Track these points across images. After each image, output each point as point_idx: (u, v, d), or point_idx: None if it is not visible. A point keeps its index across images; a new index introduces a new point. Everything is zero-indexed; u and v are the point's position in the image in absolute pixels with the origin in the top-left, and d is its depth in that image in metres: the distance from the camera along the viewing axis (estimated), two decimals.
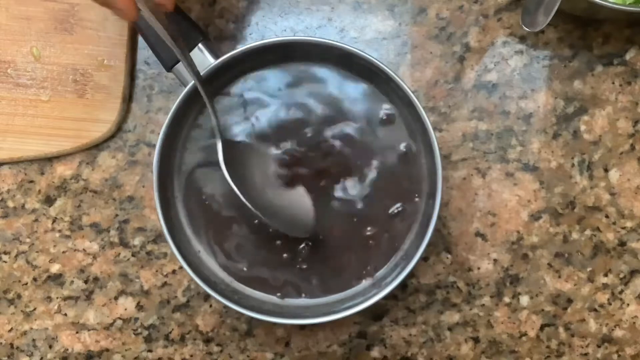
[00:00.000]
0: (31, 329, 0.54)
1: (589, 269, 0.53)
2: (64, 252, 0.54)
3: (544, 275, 0.53)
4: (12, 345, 0.54)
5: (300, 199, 0.48)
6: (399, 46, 0.54)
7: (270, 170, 0.49)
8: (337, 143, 0.49)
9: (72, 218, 0.54)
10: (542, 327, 0.53)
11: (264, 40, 0.47)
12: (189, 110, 0.49)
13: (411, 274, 0.52)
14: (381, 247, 0.49)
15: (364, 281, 0.49)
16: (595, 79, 0.53)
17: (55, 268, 0.54)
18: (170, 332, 0.54)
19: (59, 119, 0.53)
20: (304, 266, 0.49)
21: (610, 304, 0.53)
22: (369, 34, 0.54)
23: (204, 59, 0.47)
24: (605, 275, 0.53)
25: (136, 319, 0.54)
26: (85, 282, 0.54)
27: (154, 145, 0.47)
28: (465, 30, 0.54)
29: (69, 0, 0.53)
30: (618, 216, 0.53)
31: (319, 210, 0.49)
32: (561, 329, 0.53)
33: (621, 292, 0.53)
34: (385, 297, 0.46)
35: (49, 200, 0.55)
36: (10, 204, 0.55)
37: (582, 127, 0.53)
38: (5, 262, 0.55)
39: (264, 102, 0.49)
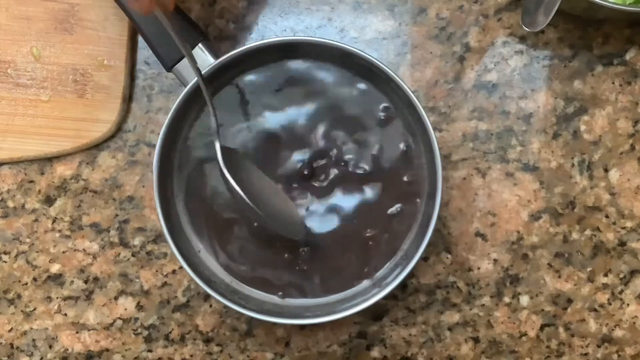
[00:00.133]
0: (31, 329, 0.54)
1: (589, 269, 0.53)
2: (64, 252, 0.54)
3: (544, 275, 0.53)
4: (12, 345, 0.54)
5: (287, 204, 0.48)
6: (399, 46, 0.54)
7: (267, 171, 0.49)
8: (336, 143, 0.49)
9: (72, 218, 0.54)
10: (542, 327, 0.53)
11: (264, 40, 0.47)
12: (189, 110, 0.49)
13: (411, 274, 0.52)
14: (381, 247, 0.49)
15: (364, 281, 0.49)
16: (595, 79, 0.53)
17: (55, 268, 0.54)
18: (170, 332, 0.54)
19: (59, 119, 0.53)
20: (305, 266, 0.49)
21: (610, 304, 0.53)
22: (369, 34, 0.54)
23: (204, 59, 0.47)
24: (605, 275, 0.53)
25: (136, 319, 0.54)
26: (85, 282, 0.54)
27: (154, 145, 0.47)
28: (465, 30, 0.54)
29: (69, 0, 0.53)
30: (618, 216, 0.53)
31: (319, 210, 0.49)
32: (561, 329, 0.53)
33: (621, 292, 0.53)
34: (385, 297, 0.46)
35: (49, 200, 0.55)
36: (10, 204, 0.55)
37: (582, 127, 0.53)
38: (5, 262, 0.55)
39: (263, 102, 0.49)
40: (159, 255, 0.54)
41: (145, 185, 0.54)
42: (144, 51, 0.54)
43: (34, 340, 0.54)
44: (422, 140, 0.48)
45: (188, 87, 0.47)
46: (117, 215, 0.54)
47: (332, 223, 0.49)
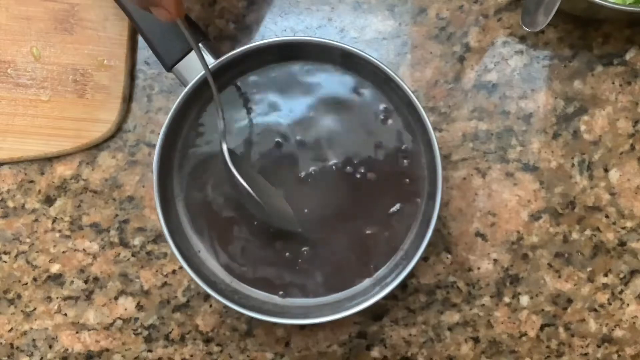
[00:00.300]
0: (31, 329, 0.54)
1: (589, 269, 0.53)
2: (64, 252, 0.54)
3: (544, 275, 0.53)
4: (12, 345, 0.54)
5: (283, 202, 0.49)
6: (399, 46, 0.54)
7: (267, 171, 0.49)
8: (336, 143, 0.49)
9: (72, 218, 0.54)
10: (542, 327, 0.53)
11: (264, 40, 0.47)
12: (189, 110, 0.49)
13: (411, 274, 0.52)
14: (381, 247, 0.49)
15: (364, 281, 0.49)
16: (595, 79, 0.53)
17: (55, 268, 0.54)
18: (170, 332, 0.54)
19: (59, 119, 0.53)
20: (305, 266, 0.49)
21: (610, 304, 0.53)
22: (369, 34, 0.54)
23: (204, 59, 0.47)
24: (605, 275, 0.53)
25: (136, 319, 0.54)
26: (85, 282, 0.54)
27: (154, 145, 0.47)
28: (465, 30, 0.54)
29: (69, 0, 0.53)
30: (618, 216, 0.53)
31: (319, 210, 0.49)
32: (561, 329, 0.53)
33: (621, 292, 0.53)
34: (385, 297, 0.46)
35: (49, 200, 0.55)
36: (10, 204, 0.55)
37: (582, 127, 0.53)
38: (5, 262, 0.55)
39: (263, 102, 0.49)
40: (159, 255, 0.54)
41: (145, 185, 0.54)
42: (144, 51, 0.54)
43: (34, 340, 0.54)
44: (422, 140, 0.48)
45: (188, 87, 0.47)
46: (117, 215, 0.54)
47: (332, 222, 0.49)
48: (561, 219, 0.53)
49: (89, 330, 0.54)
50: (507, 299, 0.53)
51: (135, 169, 0.54)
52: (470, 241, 0.53)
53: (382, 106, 0.49)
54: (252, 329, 0.54)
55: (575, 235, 0.53)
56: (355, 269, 0.49)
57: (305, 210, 0.49)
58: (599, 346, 0.53)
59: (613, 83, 0.53)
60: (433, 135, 0.46)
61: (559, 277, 0.53)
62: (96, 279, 0.54)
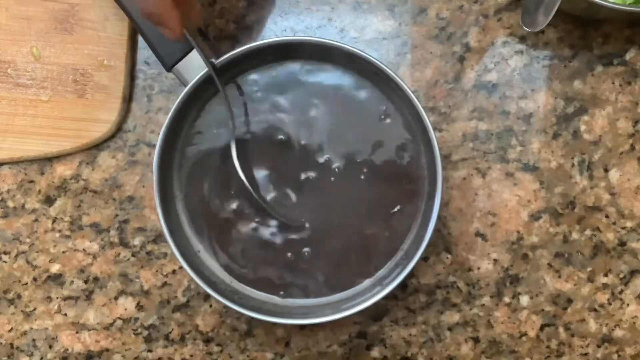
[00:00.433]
0: (31, 329, 0.54)
1: (589, 269, 0.53)
2: (64, 252, 0.54)
3: (544, 275, 0.53)
4: (12, 345, 0.54)
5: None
6: (399, 46, 0.54)
7: (267, 169, 0.49)
8: (336, 143, 0.49)
9: (72, 218, 0.54)
10: (542, 327, 0.53)
11: (264, 40, 0.47)
12: (189, 110, 0.49)
13: (411, 274, 0.52)
14: (381, 247, 0.49)
15: (364, 281, 0.49)
16: (595, 79, 0.53)
17: (55, 268, 0.54)
18: (170, 332, 0.54)
19: (59, 119, 0.53)
20: (305, 266, 0.49)
21: (610, 304, 0.53)
22: (369, 34, 0.54)
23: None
24: (605, 275, 0.53)
25: (136, 319, 0.54)
26: (85, 282, 0.54)
27: (154, 145, 0.47)
28: (465, 30, 0.54)
29: (69, 0, 0.53)
30: (618, 216, 0.53)
31: (319, 210, 0.49)
32: (561, 329, 0.53)
33: (621, 292, 0.53)
34: (385, 297, 0.46)
35: (49, 200, 0.55)
36: (10, 204, 0.55)
37: (582, 127, 0.53)
38: (5, 262, 0.55)
39: (263, 101, 0.49)
40: (159, 255, 0.54)
41: (145, 185, 0.54)
42: (144, 51, 0.54)
43: (34, 340, 0.54)
44: (422, 140, 0.48)
45: (188, 87, 0.47)
46: (117, 215, 0.54)
47: (332, 222, 0.49)
48: (561, 219, 0.53)
49: (89, 330, 0.54)
50: (507, 299, 0.53)
51: (135, 169, 0.54)
52: (470, 241, 0.53)
53: (382, 106, 0.49)
54: (252, 329, 0.54)
55: (575, 235, 0.53)
56: (355, 269, 0.49)
57: (305, 211, 0.49)
58: (599, 346, 0.53)
59: (613, 83, 0.53)
60: (433, 135, 0.46)
61: (559, 277, 0.53)
62: (96, 279, 0.54)
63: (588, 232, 0.53)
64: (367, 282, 0.49)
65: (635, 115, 0.53)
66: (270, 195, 0.49)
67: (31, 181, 0.55)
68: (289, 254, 0.49)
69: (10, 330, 0.54)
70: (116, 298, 0.54)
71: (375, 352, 0.54)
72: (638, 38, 0.53)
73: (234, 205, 0.49)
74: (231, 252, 0.49)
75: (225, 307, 0.52)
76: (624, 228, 0.53)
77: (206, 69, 0.47)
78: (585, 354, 0.53)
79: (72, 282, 0.54)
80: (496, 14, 0.54)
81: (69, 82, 0.53)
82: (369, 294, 0.47)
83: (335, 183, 0.49)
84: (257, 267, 0.49)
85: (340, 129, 0.49)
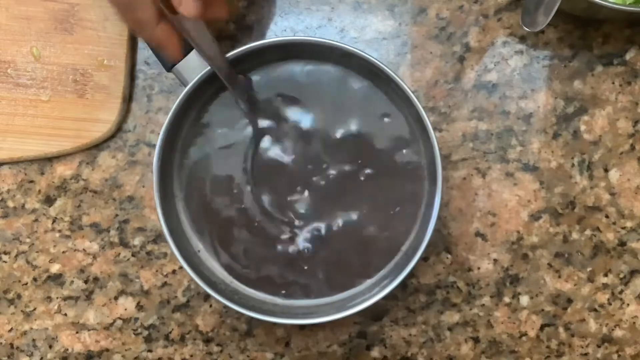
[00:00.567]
0: (31, 329, 0.54)
1: (589, 269, 0.53)
2: (64, 252, 0.54)
3: (544, 275, 0.53)
4: (12, 345, 0.54)
5: None
6: (399, 46, 0.54)
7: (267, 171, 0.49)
8: (335, 143, 0.49)
9: (72, 218, 0.54)
10: (542, 327, 0.53)
11: (264, 40, 0.47)
12: (189, 110, 0.49)
13: (411, 274, 0.52)
14: (381, 248, 0.49)
15: (364, 281, 0.49)
16: (595, 79, 0.53)
17: (55, 268, 0.54)
18: (170, 332, 0.54)
19: (59, 119, 0.53)
20: (305, 267, 0.49)
21: (610, 304, 0.53)
22: (369, 34, 0.54)
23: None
24: (605, 275, 0.53)
25: (136, 319, 0.54)
26: (85, 282, 0.54)
27: (154, 145, 0.47)
28: (465, 30, 0.54)
29: (69, 0, 0.53)
30: (618, 216, 0.53)
31: (319, 210, 0.49)
32: (561, 329, 0.53)
33: (621, 292, 0.53)
34: (385, 297, 0.46)
35: (49, 200, 0.55)
36: (10, 204, 0.55)
37: (582, 127, 0.53)
38: (5, 262, 0.55)
39: (264, 102, 0.49)
40: (159, 255, 0.54)
41: (145, 185, 0.54)
42: (144, 51, 0.54)
43: (34, 340, 0.54)
44: (422, 140, 0.48)
45: (188, 87, 0.47)
46: (117, 215, 0.54)
47: (332, 223, 0.49)
48: (561, 219, 0.53)
49: (89, 330, 0.54)
50: (507, 299, 0.53)
51: (135, 169, 0.54)
52: (470, 241, 0.53)
53: (382, 106, 0.49)
54: (252, 329, 0.54)
55: (575, 235, 0.53)
56: (355, 269, 0.49)
57: (306, 211, 0.49)
58: (599, 346, 0.53)
59: (613, 83, 0.53)
60: (433, 135, 0.46)
61: (559, 277, 0.53)
62: (96, 279, 0.54)
63: (588, 232, 0.53)
64: (367, 282, 0.49)
65: (635, 115, 0.53)
66: (270, 196, 0.49)
67: (31, 181, 0.55)
68: (289, 254, 0.49)
69: (10, 330, 0.54)
70: (116, 298, 0.54)
71: (375, 352, 0.54)
72: (638, 38, 0.53)
73: (234, 205, 0.49)
74: (232, 252, 0.49)
75: (225, 307, 0.52)
76: (624, 228, 0.53)
77: (207, 69, 0.47)
78: (585, 354, 0.53)
79: (72, 282, 0.54)
80: (496, 14, 0.54)
81: (69, 82, 0.53)
82: (369, 294, 0.47)
83: (335, 183, 0.49)
84: (257, 267, 0.49)
85: (339, 129, 0.49)
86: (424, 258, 0.53)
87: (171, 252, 0.48)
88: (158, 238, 0.54)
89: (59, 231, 0.54)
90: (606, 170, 0.53)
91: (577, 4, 0.49)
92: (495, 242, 0.53)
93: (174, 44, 0.44)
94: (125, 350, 0.54)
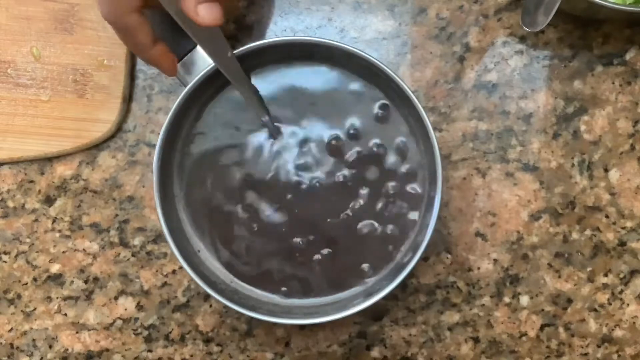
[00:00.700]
0: (31, 329, 0.54)
1: (589, 269, 0.53)
2: (64, 252, 0.54)
3: (544, 275, 0.53)
4: (12, 345, 0.54)
5: None
6: (399, 46, 0.54)
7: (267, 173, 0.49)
8: (336, 143, 0.49)
9: (72, 218, 0.54)
10: (542, 327, 0.53)
11: (264, 40, 0.47)
12: (189, 110, 0.49)
13: (411, 274, 0.52)
14: (381, 247, 0.49)
15: (364, 281, 0.49)
16: (595, 79, 0.53)
17: (55, 268, 0.54)
18: (170, 332, 0.54)
19: (59, 119, 0.53)
20: (305, 266, 0.49)
21: (610, 304, 0.53)
22: (369, 34, 0.54)
23: (204, 59, 0.47)
24: (605, 275, 0.53)
25: (136, 319, 0.54)
26: (85, 282, 0.54)
27: (154, 145, 0.47)
28: (465, 30, 0.54)
29: (69, 0, 0.53)
30: (618, 216, 0.53)
31: (319, 210, 0.49)
32: (561, 329, 0.53)
33: (621, 292, 0.53)
34: (385, 297, 0.46)
35: (49, 200, 0.55)
36: (10, 204, 0.55)
37: (582, 127, 0.53)
38: (5, 262, 0.55)
39: (264, 102, 0.49)
40: (159, 255, 0.54)
41: (145, 185, 0.54)
42: None
43: (34, 340, 0.54)
44: (422, 140, 0.48)
45: (188, 87, 0.47)
46: (117, 215, 0.54)
47: (332, 223, 0.49)
48: (561, 219, 0.53)
49: (89, 330, 0.54)
50: (507, 299, 0.53)
51: (135, 169, 0.54)
52: (470, 241, 0.53)
53: (381, 106, 0.49)
54: (252, 329, 0.54)
55: (575, 235, 0.53)
56: (355, 269, 0.49)
57: (305, 211, 0.49)
58: (599, 346, 0.53)
59: (613, 83, 0.53)
60: (433, 135, 0.46)
61: (559, 277, 0.53)
62: (96, 279, 0.54)
63: (588, 232, 0.53)
64: (367, 282, 0.49)
65: (635, 115, 0.53)
66: (270, 197, 0.49)
67: (31, 181, 0.55)
68: (289, 254, 0.49)
69: (10, 330, 0.54)
70: (116, 298, 0.54)
71: (375, 352, 0.54)
72: (638, 38, 0.53)
73: (235, 204, 0.49)
74: (232, 251, 0.49)
75: (225, 307, 0.52)
76: (624, 228, 0.53)
77: (207, 69, 0.47)
78: (585, 354, 0.53)
79: (72, 282, 0.54)
80: (496, 14, 0.54)
81: (69, 82, 0.53)
82: (369, 294, 0.47)
83: (335, 183, 0.49)
84: (258, 267, 0.49)
85: (338, 129, 0.49)
86: (424, 258, 0.53)
87: (171, 252, 0.48)
88: (158, 238, 0.54)
89: (59, 231, 0.54)
90: (606, 170, 0.53)
91: (577, 4, 0.49)
92: (495, 242, 0.53)
93: (168, 62, 0.46)
94: (125, 350, 0.54)
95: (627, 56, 0.53)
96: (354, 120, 0.49)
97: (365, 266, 0.49)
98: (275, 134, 0.49)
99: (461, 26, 0.54)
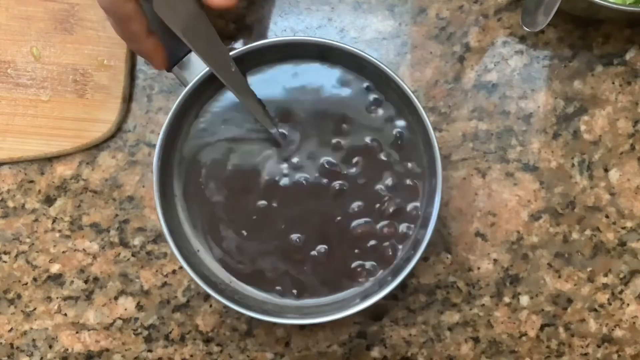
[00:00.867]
0: (31, 329, 0.54)
1: (589, 269, 0.53)
2: (64, 252, 0.54)
3: (544, 275, 0.53)
4: (12, 345, 0.54)
5: None
6: (399, 46, 0.54)
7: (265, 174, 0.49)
8: (335, 142, 0.49)
9: (72, 218, 0.54)
10: (542, 327, 0.53)
11: (264, 40, 0.47)
12: (189, 110, 0.49)
13: (411, 274, 0.52)
14: (381, 247, 0.49)
15: (364, 281, 0.49)
16: (595, 79, 0.53)
17: (55, 268, 0.54)
18: (170, 332, 0.54)
19: (59, 119, 0.53)
20: (305, 266, 0.49)
21: (610, 304, 0.53)
22: (369, 34, 0.54)
23: None
24: (605, 275, 0.53)
25: (136, 319, 0.54)
26: (85, 282, 0.54)
27: (154, 145, 0.47)
28: (465, 30, 0.54)
29: (69, 0, 0.53)
30: (618, 216, 0.53)
31: (319, 210, 0.49)
32: (561, 329, 0.53)
33: (621, 292, 0.53)
34: (385, 297, 0.46)
35: (49, 200, 0.55)
36: (10, 204, 0.55)
37: (582, 127, 0.53)
38: (5, 262, 0.55)
39: (264, 102, 0.49)
40: (159, 255, 0.54)
41: (145, 185, 0.54)
42: None
43: (34, 340, 0.54)
44: (422, 140, 0.48)
45: (188, 87, 0.47)
46: (117, 215, 0.54)
47: (332, 223, 0.49)
48: (561, 219, 0.53)
49: (89, 330, 0.54)
50: (507, 299, 0.53)
51: (135, 169, 0.54)
52: (470, 241, 0.53)
53: (382, 106, 0.49)
54: (252, 329, 0.54)
55: (575, 235, 0.53)
56: (355, 269, 0.49)
57: (306, 211, 0.49)
58: (599, 346, 0.53)
59: (613, 83, 0.53)
60: (433, 135, 0.46)
61: (559, 277, 0.53)
62: (96, 279, 0.54)
63: (588, 232, 0.53)
64: (367, 282, 0.49)
65: (635, 115, 0.53)
66: (270, 197, 0.49)
67: (31, 181, 0.55)
68: (289, 254, 0.49)
69: (10, 330, 0.54)
70: (116, 298, 0.54)
71: (375, 352, 0.54)
72: (638, 38, 0.53)
73: (234, 205, 0.49)
74: (231, 250, 0.49)
75: (225, 307, 0.52)
76: (624, 228, 0.53)
77: (206, 70, 0.47)
78: (585, 354, 0.53)
79: (72, 282, 0.54)
80: (496, 14, 0.54)
81: (69, 82, 0.53)
82: (368, 294, 0.47)
83: (334, 184, 0.49)
84: (257, 266, 0.49)
85: (338, 129, 0.49)
86: (424, 258, 0.53)
87: (171, 252, 0.48)
88: (158, 238, 0.54)
89: (59, 231, 0.54)
90: (606, 170, 0.53)
91: (577, 4, 0.49)
92: (495, 242, 0.53)
93: (160, 56, 0.47)
94: (125, 350, 0.54)
95: (627, 56, 0.53)
96: (352, 119, 0.49)
97: (365, 266, 0.49)
98: (280, 140, 0.49)
99: (461, 26, 0.54)
